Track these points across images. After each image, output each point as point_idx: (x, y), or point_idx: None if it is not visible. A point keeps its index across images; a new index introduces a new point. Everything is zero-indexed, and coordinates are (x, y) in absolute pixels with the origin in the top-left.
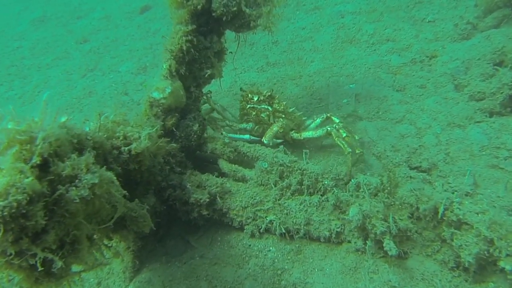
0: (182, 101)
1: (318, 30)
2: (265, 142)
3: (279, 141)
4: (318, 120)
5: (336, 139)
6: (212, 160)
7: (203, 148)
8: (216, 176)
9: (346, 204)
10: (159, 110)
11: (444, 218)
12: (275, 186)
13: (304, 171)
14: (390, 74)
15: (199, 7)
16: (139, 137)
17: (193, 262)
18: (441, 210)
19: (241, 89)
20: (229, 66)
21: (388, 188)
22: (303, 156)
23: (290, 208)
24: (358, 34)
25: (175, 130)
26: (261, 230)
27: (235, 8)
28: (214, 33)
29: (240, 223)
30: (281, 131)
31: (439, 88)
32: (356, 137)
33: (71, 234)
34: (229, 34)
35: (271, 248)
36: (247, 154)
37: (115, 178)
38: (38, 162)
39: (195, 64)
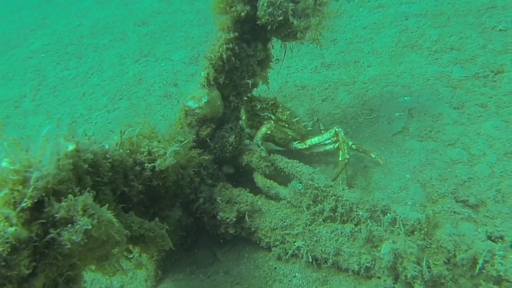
0: (219, 111)
1: (379, 31)
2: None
3: (278, 148)
4: (327, 135)
5: (341, 141)
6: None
7: (238, 160)
8: (248, 191)
9: (379, 239)
10: (193, 120)
11: (483, 271)
12: (307, 209)
13: (339, 198)
14: (450, 88)
15: (242, 14)
16: (165, 153)
17: (216, 278)
18: (480, 263)
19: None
20: (282, 64)
21: (426, 228)
22: (340, 181)
23: (321, 236)
24: (421, 39)
25: (209, 141)
26: (287, 256)
27: (281, 18)
28: (259, 40)
29: (268, 244)
30: (268, 132)
31: (501, 109)
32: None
33: (65, 275)
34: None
35: (297, 274)
36: (284, 170)
37: (114, 219)
38: (29, 205)
39: (236, 72)
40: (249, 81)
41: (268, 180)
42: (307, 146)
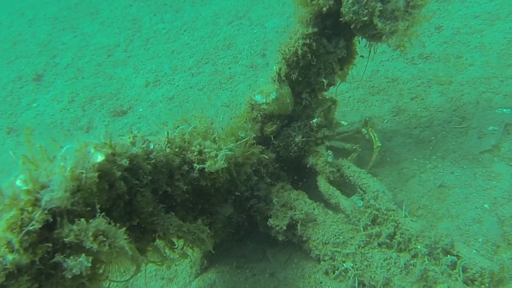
0: (288, 109)
1: (492, 23)
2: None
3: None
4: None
5: (370, 130)
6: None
7: (303, 161)
8: (307, 197)
9: (434, 281)
10: (259, 115)
11: None
12: (364, 230)
13: (399, 225)
14: None
15: (324, 9)
16: (216, 155)
17: (261, 278)
18: None
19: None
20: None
21: (487, 284)
22: (403, 207)
23: (372, 261)
24: None
25: (273, 138)
26: (334, 274)
27: (365, 18)
28: (342, 37)
29: (318, 256)
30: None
31: None
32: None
33: None
34: None
35: None
36: (350, 178)
37: (127, 246)
38: (37, 228)
39: (312, 69)
40: (325, 80)
41: (331, 187)
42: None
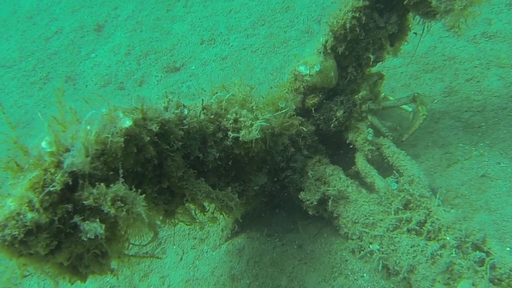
0: (331, 82)
1: None
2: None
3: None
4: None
5: (419, 104)
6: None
7: (343, 136)
8: (342, 173)
9: (458, 275)
10: (301, 86)
11: None
12: (394, 213)
13: (431, 213)
14: None
15: None
16: (251, 125)
17: (288, 249)
18: None
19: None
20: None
21: None
22: (437, 195)
23: (400, 246)
24: None
25: (313, 111)
26: (360, 254)
27: None
28: (395, 12)
29: (346, 234)
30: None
31: None
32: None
33: (91, 252)
34: None
35: (365, 274)
36: (388, 158)
37: (144, 213)
38: (58, 189)
39: (361, 43)
40: (371, 56)
41: (368, 166)
42: (381, 108)
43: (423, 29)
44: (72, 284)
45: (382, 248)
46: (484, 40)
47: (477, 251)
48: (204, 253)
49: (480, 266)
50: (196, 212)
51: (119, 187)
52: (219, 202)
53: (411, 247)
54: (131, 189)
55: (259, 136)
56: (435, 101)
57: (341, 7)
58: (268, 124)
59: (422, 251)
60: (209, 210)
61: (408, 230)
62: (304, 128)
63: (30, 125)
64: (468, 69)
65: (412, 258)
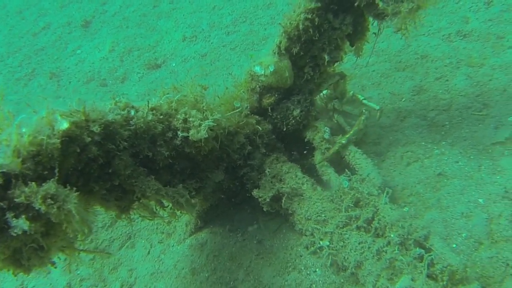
0: (286, 82)
1: None
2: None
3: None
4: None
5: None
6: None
7: (301, 134)
8: (299, 170)
9: (400, 270)
10: (257, 86)
11: None
12: (345, 211)
13: (378, 211)
14: None
15: None
16: (200, 125)
17: (248, 244)
18: None
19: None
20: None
21: (445, 282)
22: (384, 194)
23: (348, 242)
24: None
25: (270, 110)
26: (311, 250)
27: None
28: (350, 13)
29: (300, 231)
30: None
31: None
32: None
33: (28, 246)
34: None
35: (317, 269)
36: (345, 157)
37: (75, 211)
38: None
39: (317, 44)
40: (326, 56)
41: (325, 164)
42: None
43: (378, 30)
44: (15, 276)
45: (332, 244)
46: (459, 39)
47: (418, 248)
48: (170, 247)
49: (419, 262)
50: (157, 208)
51: (50, 186)
52: (169, 198)
53: (359, 243)
54: (74, 187)
55: (207, 135)
56: (403, 100)
57: (295, 8)
58: (216, 124)
59: (369, 247)
60: (168, 205)
61: (358, 227)
62: (259, 127)
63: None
64: (438, 67)
65: (359, 255)
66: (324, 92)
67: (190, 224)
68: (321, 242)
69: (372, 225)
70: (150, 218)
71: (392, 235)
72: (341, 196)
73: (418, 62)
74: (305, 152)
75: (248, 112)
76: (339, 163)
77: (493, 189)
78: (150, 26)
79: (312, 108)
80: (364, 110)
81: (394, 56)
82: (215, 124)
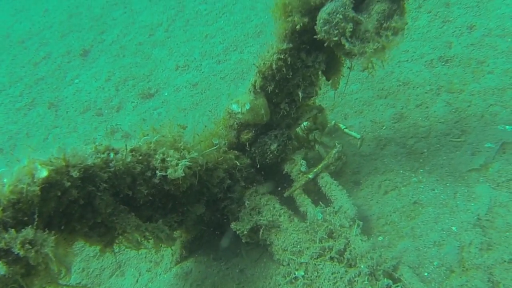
0: (262, 119)
1: None
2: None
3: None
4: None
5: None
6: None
7: (279, 167)
8: (277, 202)
9: None
10: (235, 123)
11: None
12: (319, 242)
13: (349, 243)
14: None
15: (298, 26)
16: (177, 164)
17: (230, 272)
18: None
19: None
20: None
21: None
22: (355, 226)
23: (322, 272)
24: None
25: (248, 146)
26: (287, 279)
27: (336, 38)
28: (322, 51)
29: (278, 260)
30: None
31: None
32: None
33: (9, 286)
34: None
35: None
36: (322, 188)
37: (51, 254)
38: None
39: (291, 81)
40: (300, 93)
41: (303, 195)
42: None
43: (351, 65)
44: None
45: (307, 274)
46: (441, 64)
47: (386, 278)
48: (157, 276)
49: None
50: (141, 239)
51: (28, 232)
52: (149, 233)
53: (332, 274)
54: (57, 227)
55: (185, 174)
56: (384, 127)
57: (268, 49)
58: (194, 163)
59: (341, 277)
60: (151, 238)
61: (331, 258)
62: (238, 162)
63: (14, 151)
64: (419, 94)
65: (332, 284)
66: (305, 123)
67: (176, 253)
68: (296, 273)
69: (344, 256)
70: (136, 249)
71: (362, 266)
72: (315, 227)
73: (400, 89)
74: (285, 185)
75: (226, 148)
76: (318, 192)
77: (466, 217)
78: (145, 55)
79: (289, 142)
80: (336, 143)
81: (377, 83)
82: (192, 163)
